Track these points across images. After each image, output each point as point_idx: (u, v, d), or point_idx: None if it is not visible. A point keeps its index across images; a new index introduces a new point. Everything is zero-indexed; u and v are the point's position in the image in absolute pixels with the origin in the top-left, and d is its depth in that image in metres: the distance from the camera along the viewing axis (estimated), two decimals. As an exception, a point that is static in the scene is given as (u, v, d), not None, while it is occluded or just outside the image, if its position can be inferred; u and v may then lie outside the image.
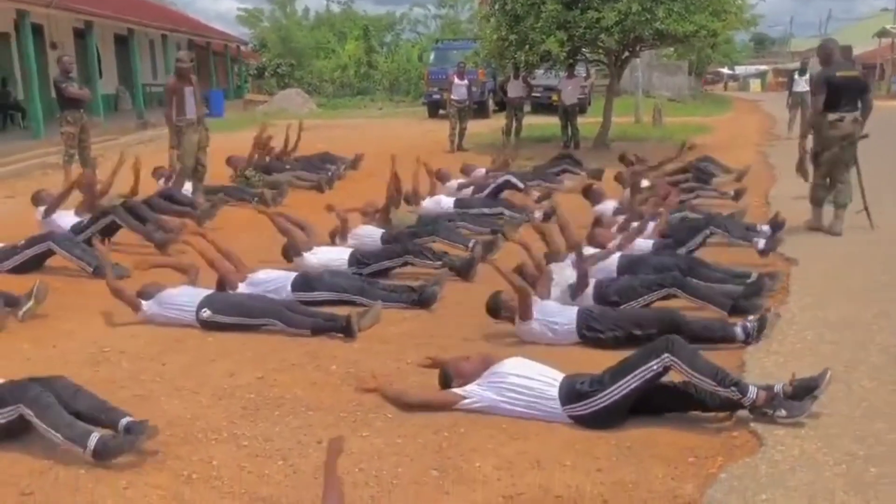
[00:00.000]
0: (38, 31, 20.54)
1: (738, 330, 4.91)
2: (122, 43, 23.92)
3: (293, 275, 6.26)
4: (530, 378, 4.09)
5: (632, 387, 3.85)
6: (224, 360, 5.03)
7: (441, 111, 25.10)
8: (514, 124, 16.83)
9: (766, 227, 7.66)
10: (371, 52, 35.25)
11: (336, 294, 6.08)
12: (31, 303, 5.73)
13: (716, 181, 10.65)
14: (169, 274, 6.24)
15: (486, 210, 9.27)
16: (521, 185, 10.21)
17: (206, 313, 5.56)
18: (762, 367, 4.51)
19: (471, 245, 7.39)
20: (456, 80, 16.38)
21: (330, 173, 12.12)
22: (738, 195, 9.57)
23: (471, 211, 9.20)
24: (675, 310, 5.01)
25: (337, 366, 4.89)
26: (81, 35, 21.06)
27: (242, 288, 6.14)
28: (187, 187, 9.75)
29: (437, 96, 24.75)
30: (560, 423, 3.97)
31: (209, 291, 5.82)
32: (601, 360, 4.30)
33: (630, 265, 6.30)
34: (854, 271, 6.52)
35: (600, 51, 15.96)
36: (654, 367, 3.82)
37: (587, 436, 3.86)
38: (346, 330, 5.38)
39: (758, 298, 5.62)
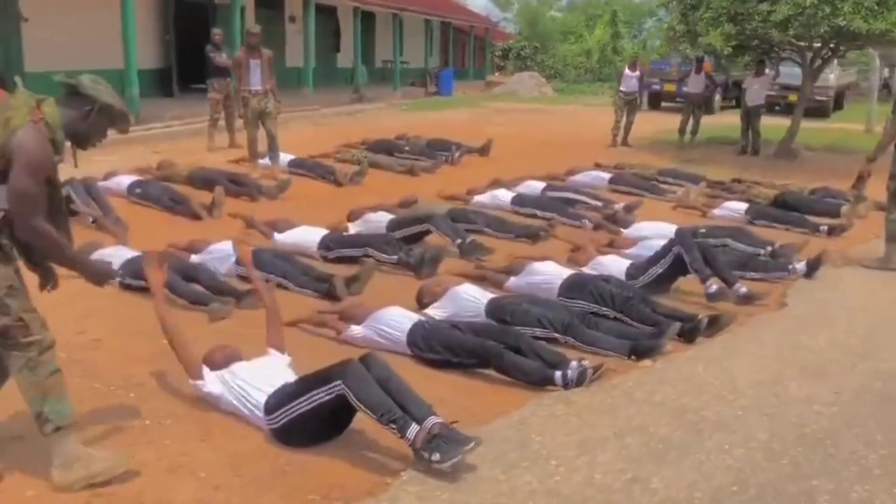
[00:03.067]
0: (278, 4, 22.61)
1: (558, 375, 4.32)
2: (363, 19, 25.32)
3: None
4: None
5: (302, 411, 3.59)
6: (99, 319, 5.34)
7: (663, 103, 24.06)
8: (692, 122, 15.56)
9: (801, 265, 6.58)
10: (617, 38, 34.30)
11: (265, 274, 6.17)
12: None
13: (845, 209, 9.17)
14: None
15: (537, 211, 8.81)
16: (593, 202, 9.40)
17: (120, 276, 5.92)
18: (533, 416, 3.93)
19: (458, 242, 7.14)
20: (626, 72, 15.49)
21: (446, 158, 12.12)
22: (832, 231, 8.22)
23: (522, 209, 8.84)
24: (494, 344, 4.50)
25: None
26: (322, 10, 22.70)
27: (196, 256, 6.49)
28: (265, 161, 10.28)
29: (657, 87, 23.71)
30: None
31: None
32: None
33: (572, 286, 5.76)
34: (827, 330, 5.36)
35: (791, 48, 14.24)
36: (324, 395, 3.52)
37: (265, 450, 3.65)
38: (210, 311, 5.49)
39: (659, 340, 4.88)
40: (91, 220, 7.34)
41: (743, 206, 9.17)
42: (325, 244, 6.93)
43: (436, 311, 5.40)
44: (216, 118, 12.48)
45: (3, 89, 3.22)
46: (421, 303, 5.55)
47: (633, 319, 5.37)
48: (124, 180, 8.63)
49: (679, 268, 6.04)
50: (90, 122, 3.21)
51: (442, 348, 4.61)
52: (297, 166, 10.59)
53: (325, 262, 6.81)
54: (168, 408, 4.06)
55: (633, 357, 4.77)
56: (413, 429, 3.36)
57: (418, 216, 7.50)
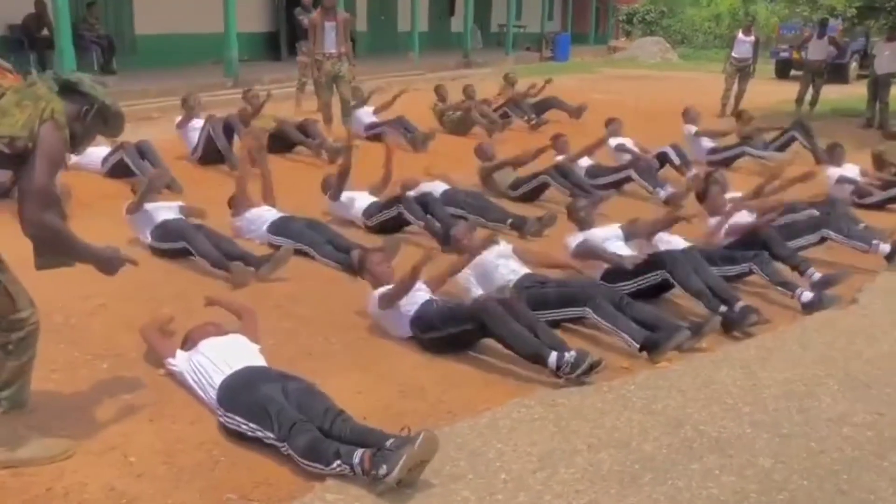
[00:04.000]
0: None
1: (553, 357, 3.87)
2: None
3: (277, 216, 6.27)
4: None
5: (245, 433, 3.32)
6: (112, 283, 5.16)
7: (793, 72, 22.30)
8: (811, 92, 14.25)
9: (886, 246, 5.79)
10: (750, 2, 32.10)
11: (292, 243, 5.96)
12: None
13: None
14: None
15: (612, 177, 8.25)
16: (677, 160, 8.77)
17: (148, 240, 5.86)
18: (507, 418, 3.49)
19: (508, 222, 6.78)
20: (740, 36, 14.33)
21: (527, 120, 11.72)
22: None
23: (593, 181, 8.25)
24: (496, 307, 4.07)
25: (173, 307, 4.83)
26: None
27: (237, 220, 6.37)
28: (336, 121, 10.08)
29: (785, 54, 22.02)
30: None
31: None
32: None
33: (609, 273, 5.24)
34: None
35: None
36: (265, 440, 3.23)
37: (206, 437, 3.40)
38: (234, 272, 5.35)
39: (673, 336, 4.31)
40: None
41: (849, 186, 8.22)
42: (368, 211, 6.67)
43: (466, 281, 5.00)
44: (304, 81, 12.36)
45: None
46: None
47: (676, 279, 4.86)
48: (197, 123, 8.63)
49: (744, 275, 5.43)
50: (87, 122, 3.09)
51: (440, 322, 4.23)
52: (376, 128, 10.32)
53: (367, 231, 6.56)
54: (133, 383, 3.89)
55: (642, 350, 4.26)
56: (358, 454, 2.97)
57: (470, 202, 7.08)
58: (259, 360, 3.76)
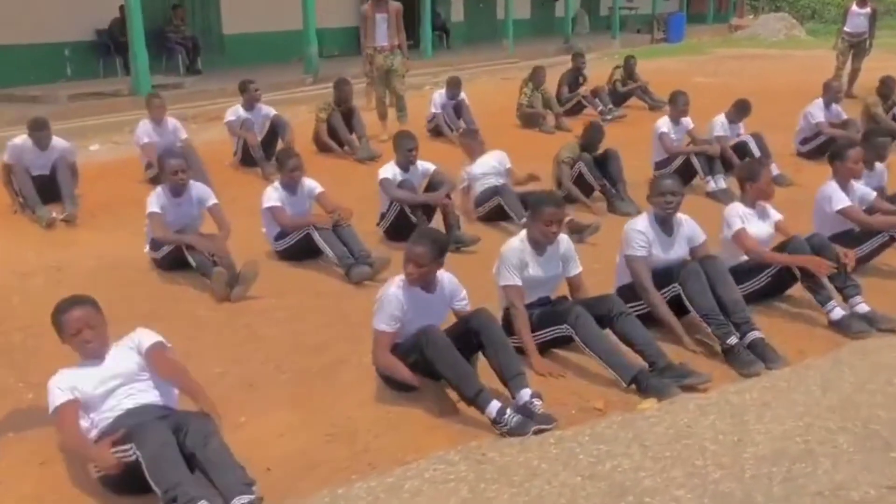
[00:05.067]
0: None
1: (493, 409, 3.31)
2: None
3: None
4: None
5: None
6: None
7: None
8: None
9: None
10: (890, -31, 29.42)
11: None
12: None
13: None
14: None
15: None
16: (757, 152, 7.91)
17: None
18: (417, 477, 2.95)
19: (522, 221, 6.18)
20: (854, 8, 12.85)
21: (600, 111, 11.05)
22: None
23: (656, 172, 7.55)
24: (442, 339, 3.54)
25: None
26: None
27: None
28: (391, 116, 9.67)
29: (924, 26, 19.93)
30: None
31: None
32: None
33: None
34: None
35: None
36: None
37: (86, 485, 3.07)
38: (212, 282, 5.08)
39: (679, 380, 3.66)
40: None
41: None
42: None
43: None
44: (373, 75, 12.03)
45: None
46: None
47: (686, 295, 4.18)
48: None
49: (787, 282, 4.63)
50: None
51: (399, 355, 3.72)
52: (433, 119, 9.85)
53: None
54: (46, 419, 3.58)
55: (632, 385, 3.64)
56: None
57: (492, 187, 6.63)
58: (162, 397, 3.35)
